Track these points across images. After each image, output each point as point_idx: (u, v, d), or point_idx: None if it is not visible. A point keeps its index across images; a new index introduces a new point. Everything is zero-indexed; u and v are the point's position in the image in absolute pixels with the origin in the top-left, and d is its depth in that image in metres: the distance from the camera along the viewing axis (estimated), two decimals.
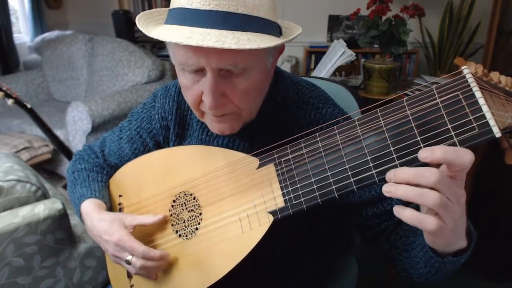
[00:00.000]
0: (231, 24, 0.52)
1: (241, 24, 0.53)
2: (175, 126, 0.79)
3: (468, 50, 2.97)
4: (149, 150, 0.84)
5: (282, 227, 0.58)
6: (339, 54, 1.86)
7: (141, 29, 0.58)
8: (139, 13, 0.66)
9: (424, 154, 0.41)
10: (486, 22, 2.71)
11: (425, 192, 0.41)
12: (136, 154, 0.85)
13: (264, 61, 0.61)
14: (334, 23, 3.51)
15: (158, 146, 0.85)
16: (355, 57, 1.99)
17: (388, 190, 0.43)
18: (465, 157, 0.40)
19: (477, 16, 2.89)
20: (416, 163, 0.45)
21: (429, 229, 0.42)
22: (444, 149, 0.40)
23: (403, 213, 0.43)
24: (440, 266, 0.53)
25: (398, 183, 0.42)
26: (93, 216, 0.73)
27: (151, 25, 0.61)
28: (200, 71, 0.58)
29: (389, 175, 0.43)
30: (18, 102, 1.83)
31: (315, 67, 2.36)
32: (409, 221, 0.43)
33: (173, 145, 0.81)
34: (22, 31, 4.18)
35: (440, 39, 2.97)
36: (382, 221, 0.67)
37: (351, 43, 3.05)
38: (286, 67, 3.36)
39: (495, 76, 0.48)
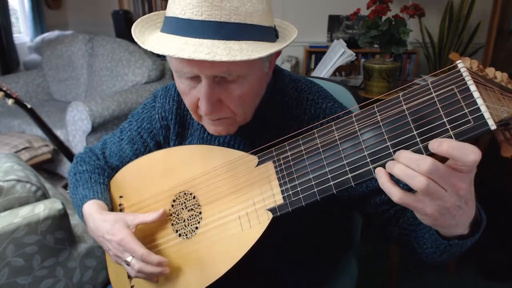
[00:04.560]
0: (223, 34, 0.53)
1: (234, 33, 0.53)
2: (176, 125, 0.80)
3: (468, 50, 2.97)
4: (150, 151, 0.84)
5: (281, 225, 0.59)
6: (339, 54, 1.86)
7: (136, 39, 0.59)
8: (139, 13, 0.66)
9: (432, 145, 0.42)
10: (486, 22, 2.71)
11: (415, 176, 0.42)
12: (137, 154, 0.85)
13: (259, 66, 0.61)
14: (334, 23, 3.51)
15: (159, 146, 0.85)
16: (355, 57, 1.99)
17: (387, 165, 0.46)
18: (469, 155, 0.40)
19: (477, 16, 2.89)
20: None
21: (394, 199, 0.45)
22: (450, 144, 0.41)
23: (379, 178, 0.46)
24: (445, 248, 0.54)
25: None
26: (95, 216, 0.73)
27: (148, 31, 0.62)
28: (196, 77, 0.58)
29: (397, 154, 0.46)
30: (18, 102, 1.83)
31: (315, 67, 2.36)
32: (381, 185, 0.46)
33: (174, 145, 0.81)
34: (22, 31, 4.19)
35: (440, 39, 2.97)
36: (390, 207, 0.67)
37: (351, 43, 3.06)
38: (286, 67, 3.36)
39: (490, 71, 0.48)
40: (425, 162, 0.41)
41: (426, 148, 0.45)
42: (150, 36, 0.60)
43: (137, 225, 0.71)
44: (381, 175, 0.46)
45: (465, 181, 0.43)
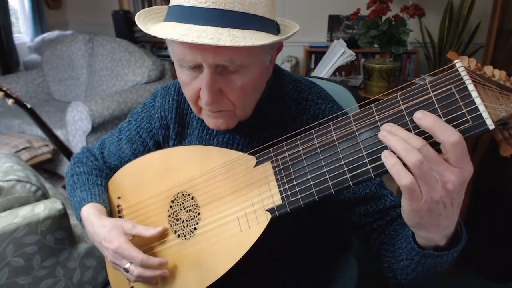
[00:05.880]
0: (227, 22, 0.53)
1: (237, 21, 0.54)
2: (175, 125, 0.80)
3: (468, 50, 2.97)
4: (149, 150, 0.84)
5: (280, 225, 0.59)
6: (339, 54, 1.86)
7: (139, 25, 0.59)
8: None
9: (419, 114, 0.43)
10: (486, 22, 2.71)
11: (411, 149, 0.42)
12: (136, 154, 0.85)
13: (261, 58, 0.62)
14: (334, 23, 3.51)
15: (158, 146, 0.85)
16: (355, 57, 2.00)
17: (384, 135, 0.45)
18: (451, 136, 0.41)
19: (477, 16, 2.89)
20: None
21: (403, 183, 0.43)
22: (435, 119, 0.42)
23: (389, 159, 0.44)
24: (419, 260, 0.53)
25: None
26: (93, 221, 0.73)
27: (151, 22, 0.62)
28: (197, 68, 0.59)
29: (386, 127, 0.45)
30: (18, 102, 1.83)
31: (315, 67, 2.36)
32: (389, 167, 0.44)
33: (174, 144, 0.81)
34: (22, 31, 4.18)
35: (440, 39, 2.97)
36: (374, 220, 0.67)
37: (351, 43, 3.06)
38: (286, 67, 3.35)
39: (488, 70, 0.47)
40: (418, 141, 0.42)
41: None
42: (153, 26, 0.61)
43: (134, 236, 0.70)
44: (390, 157, 0.44)
45: (454, 174, 0.42)
